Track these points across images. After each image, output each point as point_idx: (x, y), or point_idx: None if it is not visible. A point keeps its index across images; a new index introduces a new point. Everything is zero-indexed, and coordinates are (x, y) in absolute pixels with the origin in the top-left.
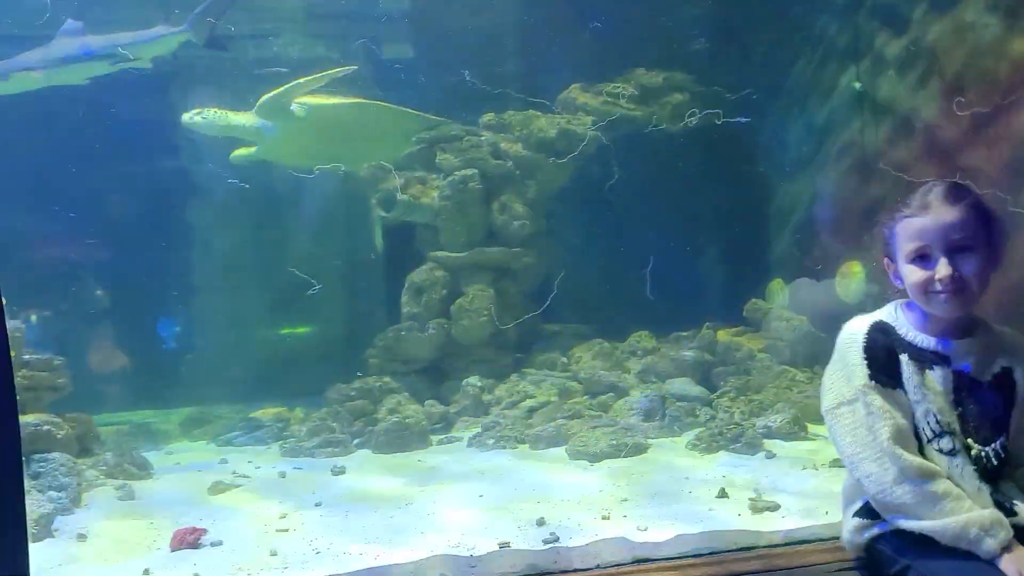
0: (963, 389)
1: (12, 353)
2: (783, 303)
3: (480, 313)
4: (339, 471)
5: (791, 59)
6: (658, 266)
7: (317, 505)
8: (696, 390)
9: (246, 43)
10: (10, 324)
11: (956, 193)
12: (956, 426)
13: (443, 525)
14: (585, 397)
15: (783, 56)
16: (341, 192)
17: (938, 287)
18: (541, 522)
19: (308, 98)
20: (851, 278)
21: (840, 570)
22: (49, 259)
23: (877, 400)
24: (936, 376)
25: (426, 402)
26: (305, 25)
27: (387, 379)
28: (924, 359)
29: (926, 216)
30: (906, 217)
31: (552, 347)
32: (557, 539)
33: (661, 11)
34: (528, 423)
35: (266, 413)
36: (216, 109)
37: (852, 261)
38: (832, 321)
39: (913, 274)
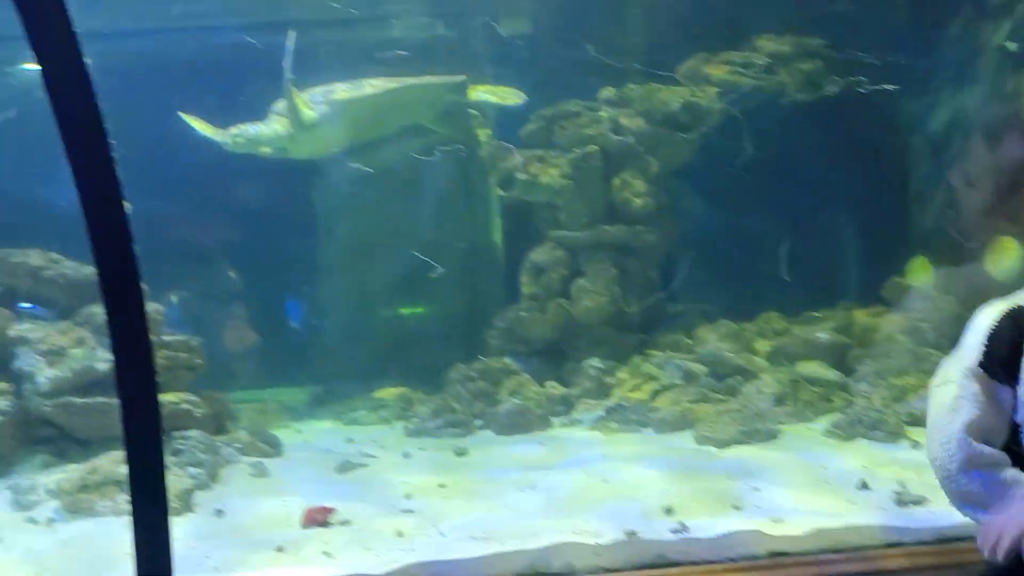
0: None
1: (152, 335)
2: (928, 282)
3: (601, 293)
4: (462, 452)
5: (936, 19)
6: (787, 243)
7: (441, 487)
8: (831, 374)
9: (365, 26)
10: (150, 306)
11: None
12: None
13: (567, 511)
14: (711, 380)
15: (927, 16)
16: (459, 171)
17: None
18: (669, 511)
19: (341, 92)
20: (1004, 256)
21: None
22: (185, 242)
23: (974, 387)
24: None
25: (547, 384)
26: (423, 4)
27: (507, 360)
28: None
29: None
30: None
31: (676, 328)
32: (686, 529)
33: None
34: (652, 406)
35: (389, 393)
36: (244, 125)
37: (1006, 238)
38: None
39: None
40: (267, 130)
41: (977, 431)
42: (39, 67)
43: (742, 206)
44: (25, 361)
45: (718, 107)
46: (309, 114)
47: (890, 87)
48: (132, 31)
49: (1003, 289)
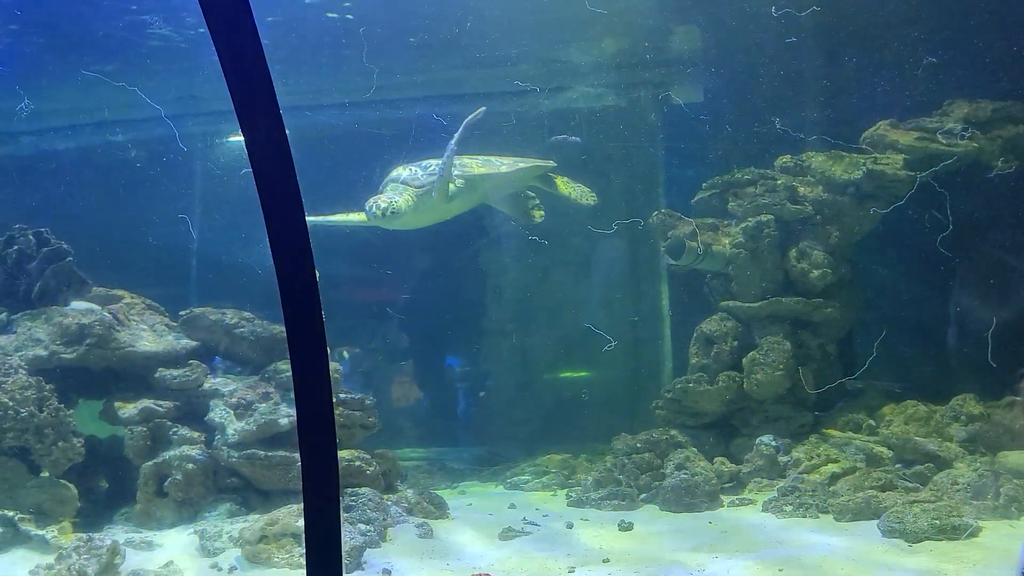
0: None
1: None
2: None
3: (775, 367)
4: (626, 527)
5: None
6: (985, 320)
7: (605, 561)
8: None
9: (539, 97)
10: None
11: None
12: None
13: None
14: (898, 466)
15: None
16: (629, 239)
17: None
18: None
19: (477, 168)
20: None
21: None
22: (359, 302)
23: None
24: None
25: (715, 459)
26: (594, 76)
27: (674, 432)
28: None
29: None
30: None
31: (856, 407)
32: None
33: (987, 38)
34: (831, 490)
35: (552, 459)
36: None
37: None
38: None
39: None
40: (400, 201)
41: None
42: (245, 138)
43: (934, 281)
44: (217, 413)
45: (905, 175)
46: (450, 188)
47: None
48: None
49: None
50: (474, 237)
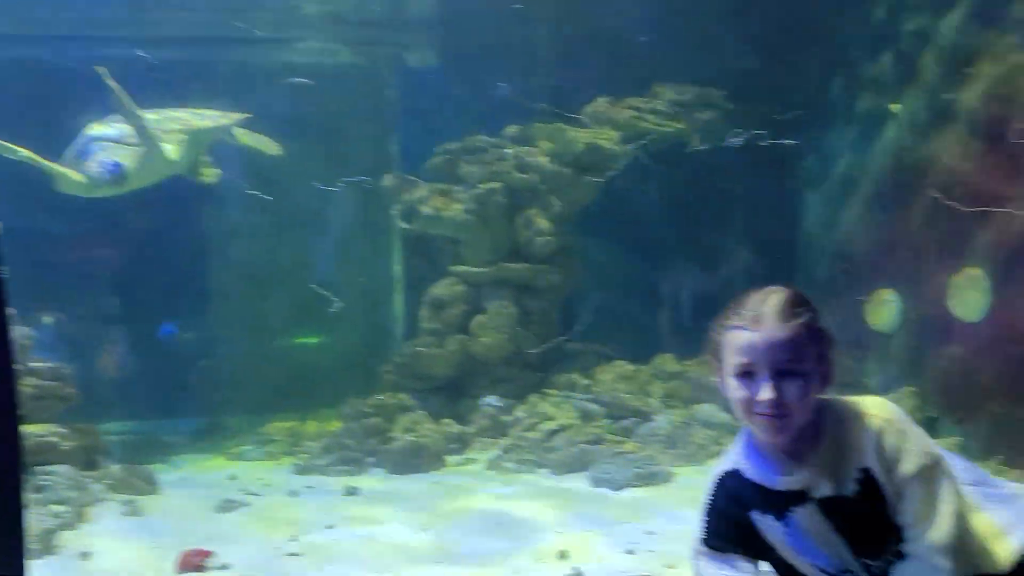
0: (836, 516)
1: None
2: None
3: (501, 330)
4: (352, 491)
5: (830, 80)
6: (686, 287)
7: (329, 528)
8: (723, 416)
9: (268, 47)
10: (18, 331)
11: (793, 310)
12: (847, 554)
13: (460, 556)
14: (607, 421)
15: (822, 77)
16: (363, 202)
17: (760, 409)
18: (563, 555)
19: (186, 119)
20: (883, 307)
21: None
22: (65, 262)
23: (708, 570)
24: (802, 518)
25: (443, 421)
26: (331, 31)
27: (403, 396)
28: (781, 504)
29: (756, 331)
30: (736, 328)
31: (574, 367)
32: (580, 574)
33: (693, 26)
34: (548, 446)
35: (277, 427)
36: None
37: (885, 290)
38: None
39: (736, 390)
40: (129, 164)
41: None
42: None
43: (643, 249)
44: None
45: (620, 150)
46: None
47: (788, 141)
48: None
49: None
50: (196, 195)
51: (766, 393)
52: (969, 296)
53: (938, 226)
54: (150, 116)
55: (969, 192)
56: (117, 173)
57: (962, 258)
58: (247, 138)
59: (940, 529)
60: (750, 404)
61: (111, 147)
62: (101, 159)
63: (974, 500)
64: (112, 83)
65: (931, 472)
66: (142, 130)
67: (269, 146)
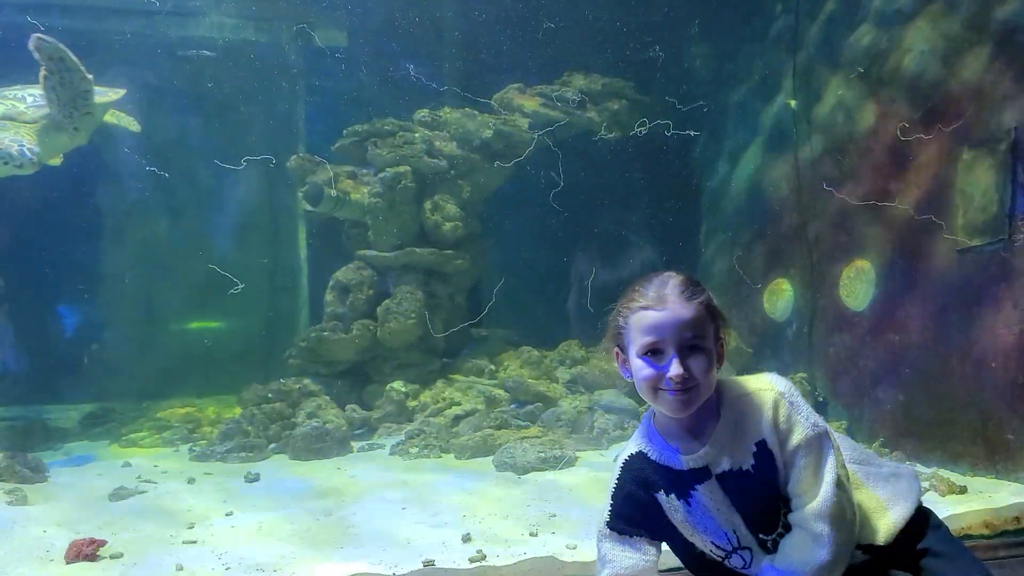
0: (735, 490)
1: None
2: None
3: (408, 316)
4: (253, 478)
5: (730, 73)
6: (593, 274)
7: (228, 515)
8: (625, 402)
9: (169, 19)
10: None
11: (693, 289)
12: (744, 528)
13: (363, 540)
14: (512, 406)
15: (723, 70)
16: (268, 184)
17: (669, 385)
18: (467, 538)
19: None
20: (778, 296)
21: None
22: None
23: (612, 552)
24: (704, 495)
25: (347, 407)
26: (234, 4)
27: (307, 381)
28: (684, 483)
29: (663, 310)
30: (642, 309)
31: (480, 353)
32: (484, 557)
33: (603, 16)
34: (454, 431)
35: (174, 413)
36: None
37: (780, 279)
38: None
39: (643, 370)
40: (36, 145)
41: None
42: None
43: (550, 236)
44: None
45: (528, 137)
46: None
47: (692, 132)
48: None
49: (775, 325)
50: (90, 172)
51: (676, 369)
52: (857, 287)
53: (831, 218)
54: (36, 90)
55: (860, 186)
56: (28, 157)
57: (853, 251)
58: (110, 116)
59: (822, 497)
60: (658, 381)
61: (8, 125)
62: (7, 144)
63: (858, 477)
64: (58, 45)
65: (818, 442)
66: (87, 95)
67: (131, 124)
